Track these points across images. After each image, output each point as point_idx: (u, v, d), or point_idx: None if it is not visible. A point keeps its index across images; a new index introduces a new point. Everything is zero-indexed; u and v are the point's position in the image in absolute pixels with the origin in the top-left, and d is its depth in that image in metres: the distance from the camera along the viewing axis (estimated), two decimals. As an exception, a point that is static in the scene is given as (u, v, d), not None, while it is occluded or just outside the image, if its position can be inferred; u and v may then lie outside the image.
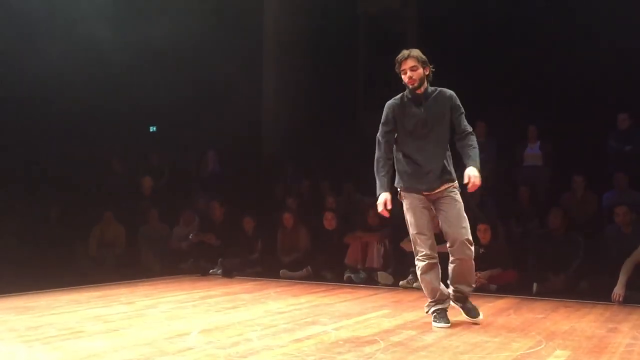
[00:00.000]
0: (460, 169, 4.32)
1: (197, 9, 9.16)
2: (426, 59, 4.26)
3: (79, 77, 8.89)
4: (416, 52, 4.24)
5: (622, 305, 5.44)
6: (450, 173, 4.30)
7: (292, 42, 10.89)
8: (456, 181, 4.32)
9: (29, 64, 8.28)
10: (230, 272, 7.33)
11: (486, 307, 5.24)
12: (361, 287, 6.63)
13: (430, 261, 4.33)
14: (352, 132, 11.02)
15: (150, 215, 8.35)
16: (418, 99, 4.25)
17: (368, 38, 11.62)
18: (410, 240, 6.71)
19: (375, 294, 6.06)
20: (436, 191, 4.29)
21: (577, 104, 8.77)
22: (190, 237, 7.80)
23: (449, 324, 4.29)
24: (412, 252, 6.61)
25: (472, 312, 4.46)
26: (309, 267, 7.27)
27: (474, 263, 4.37)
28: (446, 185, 4.27)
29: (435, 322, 4.34)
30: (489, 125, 8.62)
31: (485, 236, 6.42)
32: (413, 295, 5.98)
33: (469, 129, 4.28)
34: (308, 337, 3.92)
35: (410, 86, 4.23)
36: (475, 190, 8.23)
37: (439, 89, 4.31)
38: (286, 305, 5.25)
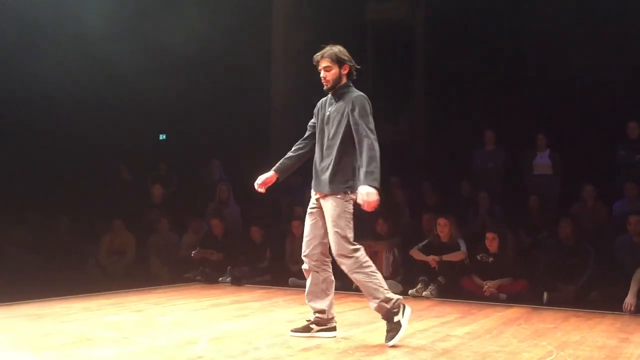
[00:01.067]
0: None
1: (206, 17, 9.23)
2: (345, 57, 4.02)
3: (88, 86, 8.95)
4: (331, 50, 4.01)
5: (634, 315, 5.41)
6: (342, 182, 3.94)
7: (300, 50, 10.94)
8: (347, 193, 3.94)
9: (36, 73, 8.36)
10: (239, 280, 7.33)
11: (496, 317, 5.23)
12: (370, 295, 6.61)
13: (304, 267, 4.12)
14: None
15: (160, 224, 8.38)
16: (332, 99, 4.08)
17: (376, 47, 11.66)
18: (419, 249, 6.77)
19: (384, 303, 6.03)
20: (323, 194, 4.01)
21: (587, 113, 8.76)
22: (192, 254, 7.81)
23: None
24: (421, 260, 6.66)
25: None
26: (317, 275, 7.26)
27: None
28: (333, 194, 3.95)
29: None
30: (498, 134, 8.61)
31: (493, 244, 6.40)
32: (422, 304, 5.96)
33: (365, 133, 3.85)
34: (317, 346, 3.92)
35: (325, 86, 4.06)
36: (485, 197, 8.15)
37: (353, 89, 4.06)
38: (295, 314, 5.25)
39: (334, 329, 4.19)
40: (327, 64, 4.02)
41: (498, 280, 6.29)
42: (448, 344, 4.06)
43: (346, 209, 3.96)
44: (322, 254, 4.11)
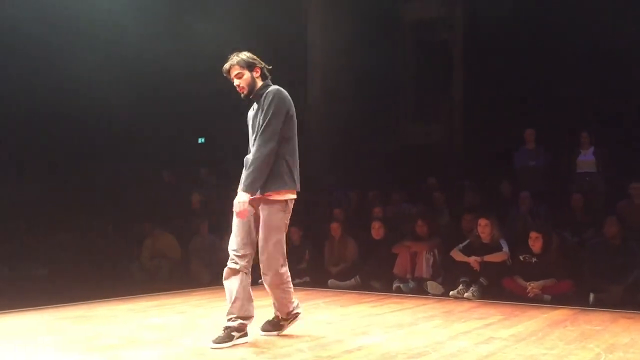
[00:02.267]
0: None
1: (242, 19, 9.32)
2: (253, 59, 3.94)
3: (130, 92, 9.13)
4: (238, 57, 3.93)
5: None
6: (273, 182, 3.82)
7: (336, 51, 10.95)
8: (279, 194, 3.85)
9: (80, 78, 8.56)
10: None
11: (541, 319, 5.13)
12: (410, 297, 6.58)
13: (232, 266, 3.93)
14: (398, 141, 10.98)
15: (201, 227, 8.49)
16: (254, 102, 4.00)
17: (413, 46, 11.58)
18: (459, 250, 6.69)
19: (425, 304, 6.00)
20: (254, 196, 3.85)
21: (631, 108, 8.52)
22: None
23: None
24: (462, 261, 6.58)
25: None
26: (357, 277, 7.26)
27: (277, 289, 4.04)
28: (262, 194, 3.84)
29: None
30: (539, 132, 8.45)
31: (536, 244, 6.28)
32: (464, 305, 5.89)
33: (261, 140, 3.78)
34: (359, 348, 3.92)
35: (242, 94, 3.98)
36: (527, 197, 8.00)
37: (268, 88, 3.94)
38: (335, 316, 5.25)
39: (247, 334, 4.05)
40: (238, 70, 3.94)
41: (542, 281, 6.16)
42: (492, 346, 4.00)
43: (281, 215, 3.89)
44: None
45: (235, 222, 3.94)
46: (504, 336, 4.33)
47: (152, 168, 10.07)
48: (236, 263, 3.93)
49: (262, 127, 3.82)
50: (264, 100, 3.88)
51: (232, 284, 3.95)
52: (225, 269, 3.97)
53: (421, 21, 11.42)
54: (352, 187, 9.28)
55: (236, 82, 3.97)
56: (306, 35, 11.26)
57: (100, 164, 9.68)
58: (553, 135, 8.54)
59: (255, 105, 4.02)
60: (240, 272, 3.93)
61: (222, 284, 4.05)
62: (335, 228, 7.72)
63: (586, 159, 8.05)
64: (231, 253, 3.95)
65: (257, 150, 3.81)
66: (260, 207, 3.93)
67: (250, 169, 3.79)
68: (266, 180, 3.84)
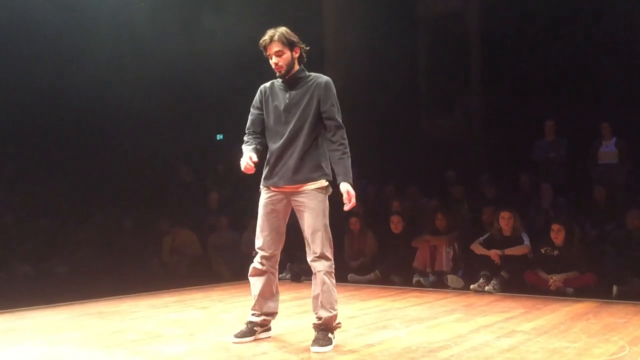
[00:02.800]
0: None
1: (258, 18, 9.31)
2: (295, 39, 3.69)
3: (148, 88, 9.15)
4: (280, 33, 3.66)
5: None
6: (315, 171, 3.71)
7: (352, 45, 10.91)
8: (324, 181, 3.74)
9: (95, 75, 8.61)
10: (299, 277, 7.40)
11: (563, 311, 5.08)
12: (430, 290, 6.55)
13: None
14: (416, 135, 10.92)
15: (220, 223, 8.53)
16: (287, 85, 3.76)
17: (430, 40, 11.50)
18: (480, 243, 6.64)
19: (446, 298, 5.97)
20: (294, 187, 3.73)
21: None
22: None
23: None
24: (482, 255, 6.53)
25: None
26: (377, 271, 7.25)
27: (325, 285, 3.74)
28: (313, 189, 3.72)
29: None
30: (559, 123, 8.36)
31: (558, 236, 6.21)
32: (485, 299, 5.85)
33: (337, 123, 3.69)
34: (380, 342, 3.91)
35: (278, 73, 3.72)
36: (548, 189, 7.90)
37: (314, 75, 3.78)
38: (356, 310, 5.25)
39: (270, 328, 4.07)
40: (279, 48, 3.65)
41: (564, 273, 6.10)
42: (514, 339, 3.97)
43: (327, 204, 3.77)
44: (278, 254, 3.93)
45: (262, 217, 3.85)
46: (526, 329, 4.30)
47: (170, 165, 10.13)
48: (262, 264, 3.90)
49: (335, 114, 3.69)
50: (326, 88, 3.70)
51: (256, 281, 3.95)
52: (251, 267, 3.96)
53: (438, 14, 11.33)
54: (370, 181, 9.26)
55: (274, 59, 3.69)
56: (323, 32, 11.22)
57: (119, 161, 9.74)
58: (573, 127, 8.43)
59: (287, 88, 3.76)
60: (267, 273, 3.92)
61: (243, 279, 4.08)
62: (354, 222, 7.71)
63: (608, 150, 7.94)
64: (258, 253, 3.90)
65: (344, 139, 3.72)
66: (300, 197, 3.75)
67: (346, 158, 3.70)
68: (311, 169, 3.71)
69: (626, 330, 4.28)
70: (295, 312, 5.20)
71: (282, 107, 3.76)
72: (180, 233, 8.45)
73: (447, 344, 3.82)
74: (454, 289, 6.54)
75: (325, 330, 3.76)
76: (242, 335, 3.94)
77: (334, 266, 3.78)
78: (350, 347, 3.78)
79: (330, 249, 3.77)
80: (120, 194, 9.49)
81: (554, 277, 6.08)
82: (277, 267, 3.99)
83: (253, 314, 4.01)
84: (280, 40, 3.66)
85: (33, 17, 7.73)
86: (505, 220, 6.51)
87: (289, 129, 3.72)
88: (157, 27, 8.46)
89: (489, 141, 10.20)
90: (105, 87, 8.95)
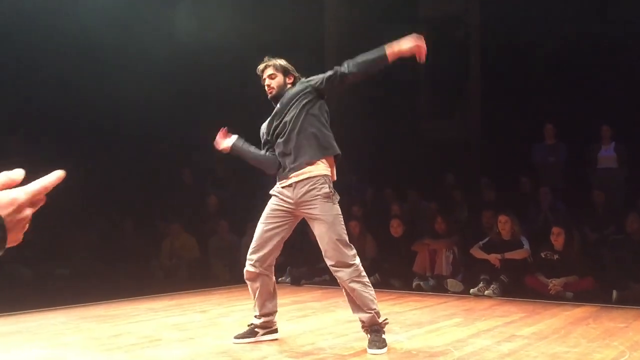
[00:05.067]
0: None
1: (259, 14, 9.31)
2: (290, 68, 3.94)
3: (150, 90, 9.15)
4: (276, 60, 3.93)
5: None
6: (315, 151, 3.79)
7: (353, 49, 10.92)
8: (334, 195, 3.79)
9: (101, 76, 8.61)
10: (299, 281, 7.39)
11: (563, 316, 5.08)
12: (430, 294, 6.55)
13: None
14: (415, 138, 10.92)
15: (220, 226, 8.53)
16: (277, 104, 3.93)
17: (430, 44, 11.50)
18: (479, 247, 6.64)
19: (446, 302, 5.97)
20: (293, 176, 3.79)
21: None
22: None
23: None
24: (482, 259, 6.53)
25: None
26: (376, 274, 7.24)
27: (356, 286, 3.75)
28: (305, 168, 3.77)
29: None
30: (558, 127, 8.36)
31: (558, 240, 6.21)
32: (484, 303, 5.85)
33: (329, 71, 3.85)
34: (380, 347, 3.90)
35: (269, 94, 3.93)
36: (547, 193, 7.85)
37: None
38: (356, 314, 5.23)
39: (276, 330, 4.11)
40: (272, 71, 3.91)
41: (564, 278, 6.10)
42: (514, 344, 3.97)
43: (338, 211, 3.78)
44: (275, 258, 3.97)
45: (261, 226, 3.90)
46: (525, 334, 4.30)
47: (171, 167, 10.11)
48: (255, 267, 3.90)
49: (322, 73, 3.87)
50: (294, 92, 3.85)
51: (252, 283, 3.98)
52: (245, 270, 3.98)
53: (437, 17, 11.34)
54: (369, 185, 9.26)
55: (267, 81, 3.93)
56: (323, 35, 11.24)
57: (119, 164, 9.73)
58: (573, 130, 8.43)
59: (277, 107, 3.92)
60: (261, 275, 3.93)
61: (242, 283, 4.08)
62: (354, 226, 7.69)
63: (607, 154, 7.94)
64: (252, 257, 3.91)
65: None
66: (308, 210, 3.80)
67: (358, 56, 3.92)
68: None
69: (626, 335, 4.28)
70: (295, 316, 5.19)
71: (281, 124, 3.87)
72: (179, 236, 8.44)
73: (447, 349, 3.82)
74: (453, 293, 6.54)
75: (375, 331, 3.76)
76: (242, 336, 3.99)
77: (360, 266, 3.77)
78: (350, 351, 3.78)
79: (348, 253, 3.75)
80: (121, 197, 9.48)
81: (553, 282, 6.08)
82: (273, 269, 4.00)
83: (254, 316, 4.06)
84: (274, 65, 3.92)
85: (32, 17, 7.74)
86: (503, 224, 6.51)
87: (287, 130, 3.84)
88: (155, 26, 8.47)
89: (488, 145, 10.21)
90: (104, 92, 8.94)
